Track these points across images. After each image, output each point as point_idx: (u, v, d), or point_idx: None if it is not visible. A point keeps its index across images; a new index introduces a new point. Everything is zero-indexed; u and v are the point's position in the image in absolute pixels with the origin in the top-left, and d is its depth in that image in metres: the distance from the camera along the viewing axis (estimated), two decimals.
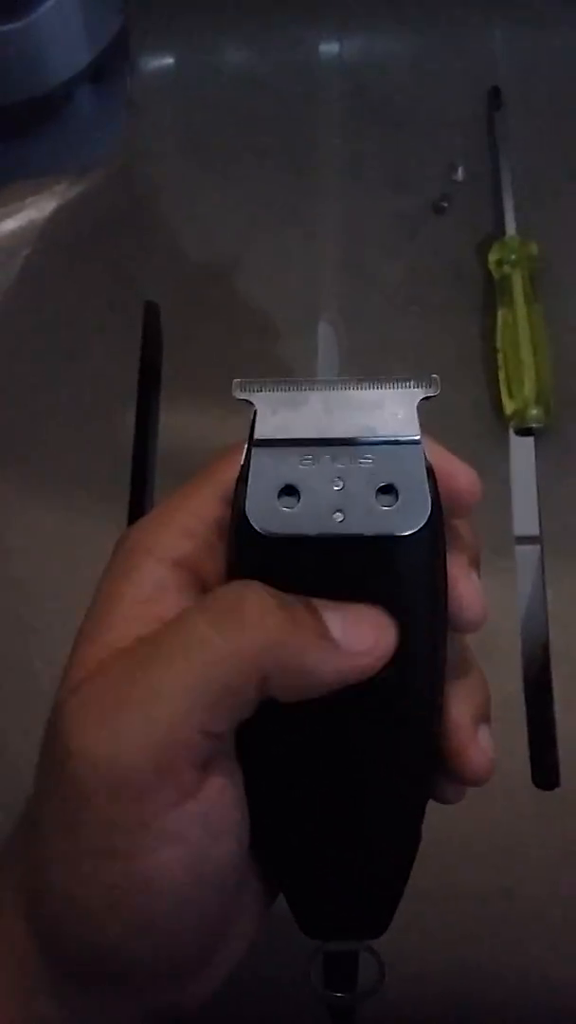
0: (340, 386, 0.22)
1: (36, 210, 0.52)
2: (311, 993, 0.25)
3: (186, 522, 0.23)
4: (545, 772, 0.40)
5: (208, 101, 0.55)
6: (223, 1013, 0.23)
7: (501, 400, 0.46)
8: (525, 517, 0.45)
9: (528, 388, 0.45)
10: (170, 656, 0.20)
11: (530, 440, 0.46)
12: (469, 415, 0.47)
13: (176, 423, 0.47)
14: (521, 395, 0.45)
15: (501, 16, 0.55)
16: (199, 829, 0.20)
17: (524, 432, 0.46)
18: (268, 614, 0.20)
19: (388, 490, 0.21)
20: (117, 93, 0.55)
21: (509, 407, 0.46)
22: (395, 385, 0.22)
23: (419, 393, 0.22)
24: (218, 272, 0.51)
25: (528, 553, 0.45)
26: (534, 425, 0.46)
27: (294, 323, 0.49)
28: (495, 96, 0.53)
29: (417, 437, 0.21)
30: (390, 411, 0.22)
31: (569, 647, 0.42)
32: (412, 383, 0.22)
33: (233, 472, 0.22)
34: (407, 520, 0.21)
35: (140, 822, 0.19)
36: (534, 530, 0.45)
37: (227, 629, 0.20)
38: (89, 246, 0.52)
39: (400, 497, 0.21)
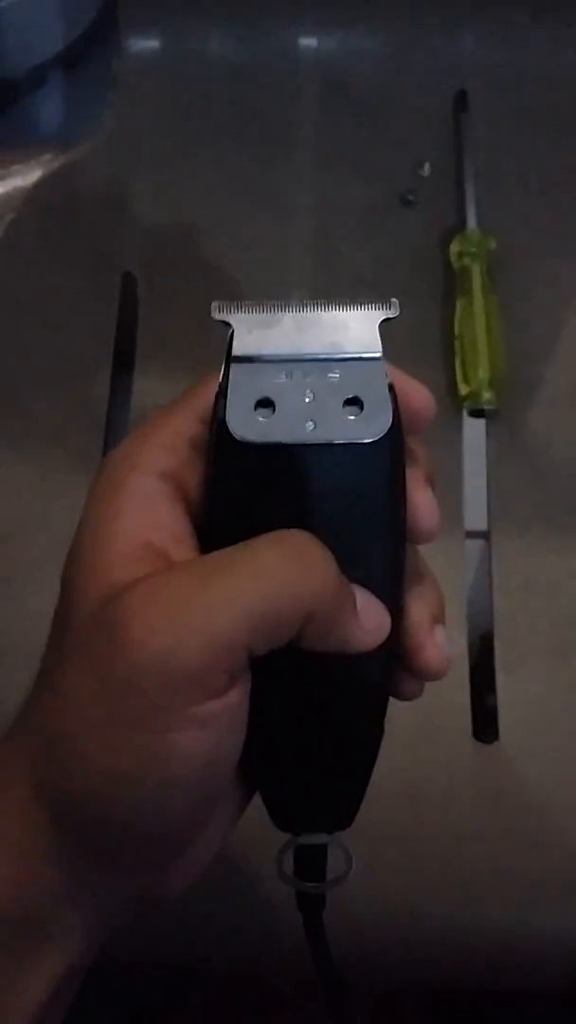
0: (310, 308, 0.24)
1: (21, 177, 0.53)
2: (283, 883, 0.27)
3: (167, 439, 0.25)
4: (485, 727, 0.43)
5: (190, 85, 0.57)
6: (202, 899, 0.25)
7: (456, 383, 0.49)
8: (475, 502, 0.48)
9: (482, 373, 0.48)
10: (237, 576, 0.22)
11: (482, 422, 0.49)
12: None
13: (149, 388, 0.49)
14: (475, 379, 0.48)
15: (472, 23, 0.57)
16: (220, 722, 0.22)
17: (477, 413, 0.49)
18: (331, 568, 0.23)
19: (354, 401, 0.23)
20: (96, 78, 0.57)
21: (464, 389, 0.49)
22: (360, 307, 0.24)
23: (380, 315, 0.24)
24: (193, 248, 0.53)
25: (476, 544, 0.47)
26: (486, 407, 0.48)
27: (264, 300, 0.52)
28: (462, 99, 0.56)
29: (379, 354, 0.24)
30: (355, 331, 0.24)
31: (511, 618, 0.45)
32: (374, 305, 0.24)
33: (208, 395, 0.24)
34: (371, 428, 0.23)
35: (177, 707, 0.21)
36: (483, 513, 0.47)
37: (295, 566, 0.22)
38: (71, 215, 0.53)
39: (364, 408, 0.23)
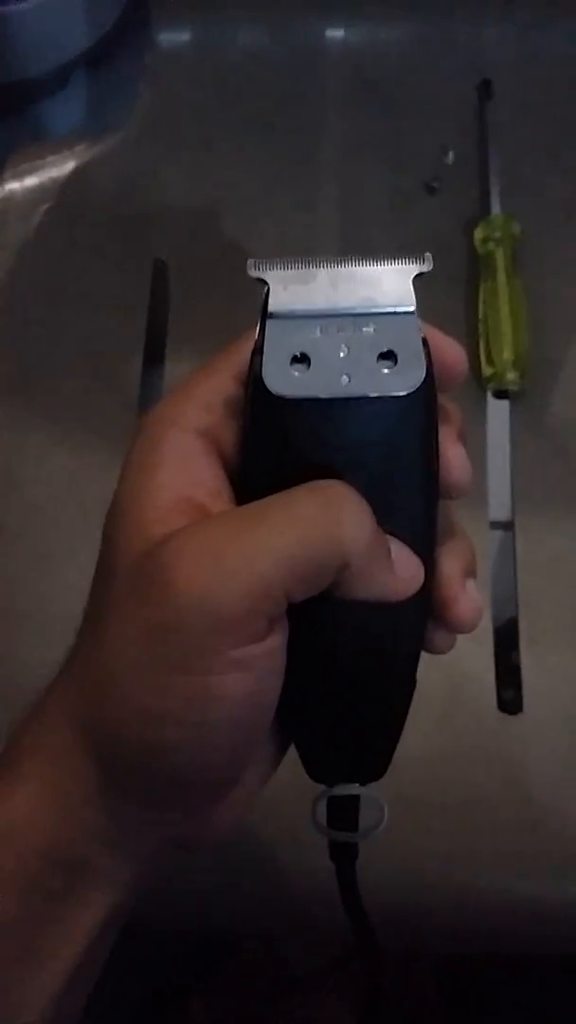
0: (344, 263, 0.24)
1: (56, 169, 0.55)
2: (317, 832, 0.28)
3: (205, 397, 0.25)
4: (509, 699, 0.44)
5: (220, 76, 0.58)
6: (238, 852, 0.25)
7: (481, 366, 0.50)
8: (499, 480, 0.48)
9: (506, 353, 0.49)
10: (275, 523, 0.22)
11: (505, 403, 0.50)
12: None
13: (180, 372, 0.51)
14: (500, 360, 0.49)
15: (495, 14, 0.58)
16: (259, 665, 0.23)
17: (501, 395, 0.50)
18: (367, 516, 0.23)
19: (388, 355, 0.23)
20: (122, 76, 0.58)
21: (488, 371, 0.50)
22: (393, 262, 0.24)
23: (414, 269, 0.24)
24: (223, 235, 0.54)
25: (502, 508, 0.48)
26: (510, 388, 0.49)
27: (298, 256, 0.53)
28: (486, 87, 0.57)
29: (412, 308, 0.24)
30: (389, 285, 0.24)
31: (535, 599, 0.45)
32: (408, 260, 0.24)
33: (245, 355, 0.24)
34: (405, 381, 0.23)
35: (218, 649, 0.22)
36: (507, 489, 0.48)
37: (331, 514, 0.23)
38: (104, 205, 0.55)
39: (399, 361, 0.23)
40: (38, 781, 0.24)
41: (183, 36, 0.59)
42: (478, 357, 0.50)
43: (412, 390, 0.23)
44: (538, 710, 0.43)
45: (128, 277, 0.53)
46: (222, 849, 0.26)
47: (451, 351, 0.25)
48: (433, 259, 0.55)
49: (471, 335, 0.51)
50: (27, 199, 0.55)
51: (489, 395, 0.50)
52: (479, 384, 0.50)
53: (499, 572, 0.47)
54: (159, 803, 0.25)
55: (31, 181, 0.55)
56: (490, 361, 0.50)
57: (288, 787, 0.27)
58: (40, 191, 0.55)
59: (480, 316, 0.51)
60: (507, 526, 0.48)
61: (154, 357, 0.51)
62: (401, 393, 0.23)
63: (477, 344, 0.51)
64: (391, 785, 0.28)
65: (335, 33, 0.58)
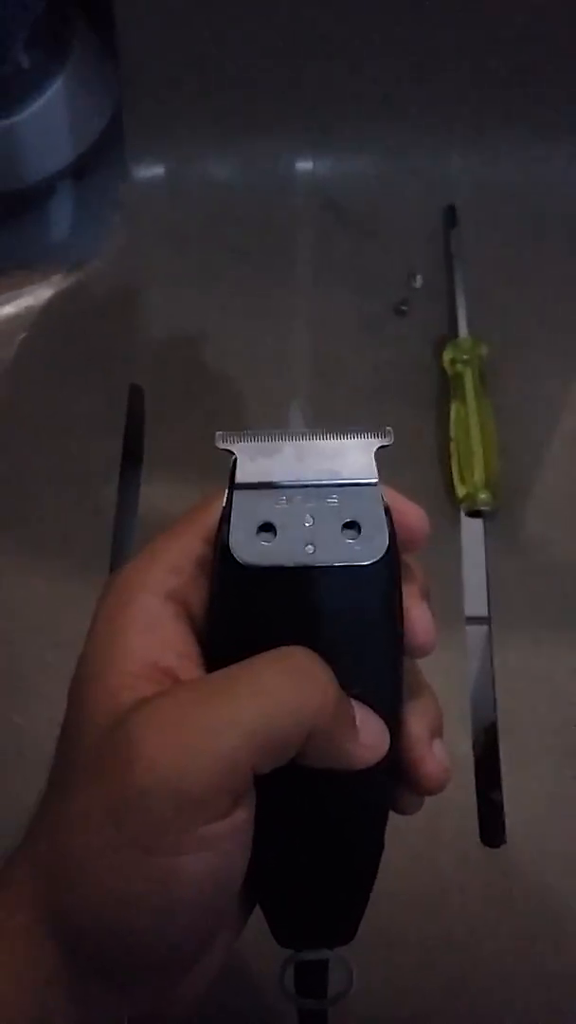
0: (309, 436, 0.25)
1: (33, 297, 0.56)
2: (284, 1000, 0.27)
3: (173, 560, 0.25)
4: (492, 831, 0.43)
5: (194, 206, 0.60)
6: (205, 1020, 0.25)
7: (454, 485, 0.51)
8: (475, 598, 0.48)
9: (478, 474, 0.50)
10: (239, 696, 0.22)
11: (479, 522, 0.50)
12: (424, 498, 0.49)
13: (155, 497, 0.51)
14: (471, 481, 0.50)
15: (459, 144, 0.61)
16: (226, 843, 0.22)
17: (474, 514, 0.50)
18: (331, 684, 0.23)
19: (352, 525, 0.24)
20: (104, 191, 0.60)
21: (461, 491, 0.50)
22: (356, 436, 0.25)
23: (376, 442, 0.25)
24: (198, 360, 0.55)
25: (477, 632, 0.48)
26: (483, 508, 0.50)
27: (267, 409, 0.53)
28: (451, 214, 0.59)
29: (375, 480, 0.25)
30: (352, 458, 0.25)
31: (515, 718, 0.45)
32: (370, 434, 0.25)
33: (212, 517, 0.25)
34: (369, 550, 0.24)
35: (184, 828, 0.22)
36: (483, 611, 0.48)
37: (295, 683, 0.23)
38: (81, 331, 0.56)
39: (362, 531, 0.24)
40: None
41: (157, 170, 0.61)
42: (450, 476, 0.51)
43: (375, 559, 0.24)
44: (522, 840, 0.42)
45: (104, 402, 0.54)
46: (186, 1019, 0.25)
47: (413, 514, 0.26)
48: (404, 379, 0.56)
49: (443, 454, 0.52)
50: (4, 328, 0.56)
51: (463, 514, 0.51)
52: (452, 503, 0.51)
53: (477, 678, 0.46)
54: (123, 984, 0.24)
55: (8, 310, 0.56)
56: (462, 480, 0.50)
57: (254, 948, 0.27)
58: (17, 320, 0.56)
59: (452, 435, 0.52)
60: (486, 621, 0.48)
61: (130, 481, 0.52)
62: (365, 563, 0.24)
63: (449, 463, 0.51)
64: (371, 926, 0.27)
65: (304, 164, 0.61)
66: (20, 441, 0.53)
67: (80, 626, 0.26)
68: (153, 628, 0.25)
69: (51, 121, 0.56)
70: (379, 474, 0.25)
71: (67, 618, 0.46)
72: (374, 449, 0.25)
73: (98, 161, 0.59)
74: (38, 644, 0.47)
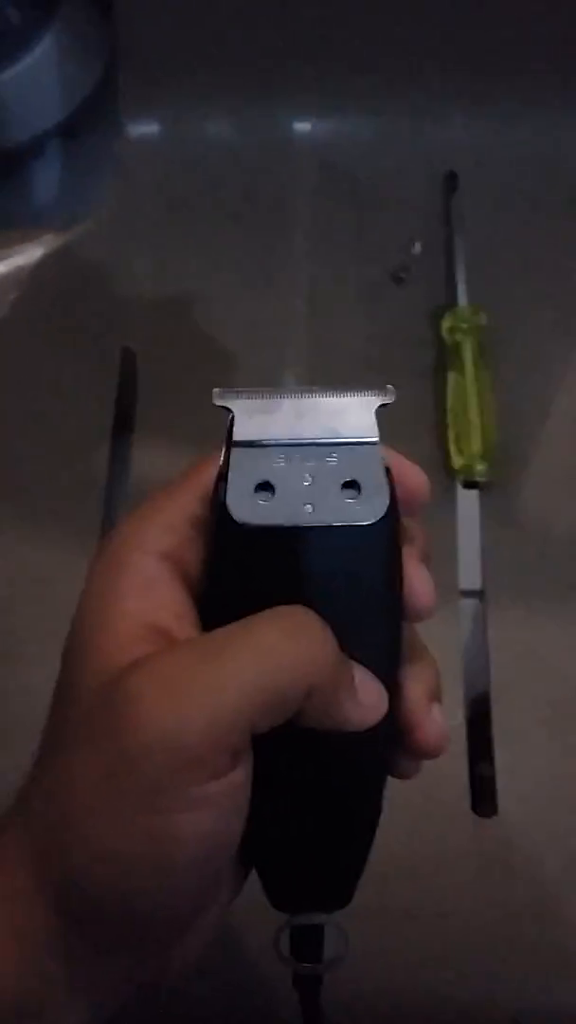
0: (308, 394, 0.25)
1: (24, 257, 0.55)
2: (280, 963, 0.27)
3: (169, 518, 0.25)
4: (484, 801, 0.43)
5: (190, 167, 0.59)
6: (200, 983, 0.25)
7: (450, 456, 0.50)
8: (470, 570, 0.48)
9: (475, 445, 0.49)
10: (238, 654, 0.22)
11: (475, 493, 0.50)
12: (420, 468, 0.51)
13: (147, 462, 0.50)
14: (469, 451, 0.49)
15: (461, 107, 0.60)
16: (223, 803, 0.22)
17: (470, 485, 0.50)
18: (330, 643, 0.23)
19: (351, 485, 0.24)
20: (96, 151, 0.59)
21: (457, 462, 0.50)
22: (356, 394, 0.25)
23: (377, 400, 0.24)
24: (191, 324, 0.54)
25: (471, 605, 0.48)
26: (479, 479, 0.49)
27: (261, 376, 0.53)
28: (452, 180, 0.58)
29: (375, 439, 0.24)
30: (352, 416, 0.24)
31: (509, 690, 0.45)
32: (371, 392, 0.25)
33: (209, 475, 0.24)
34: (368, 511, 0.24)
35: (181, 787, 0.21)
36: (477, 584, 0.48)
37: (294, 642, 0.22)
38: (73, 293, 0.55)
39: (362, 491, 0.24)
40: None
41: (152, 127, 0.59)
42: (447, 446, 0.50)
43: (375, 519, 0.24)
44: (514, 810, 0.42)
45: (95, 365, 0.53)
46: (182, 982, 0.25)
47: (414, 477, 0.25)
48: (401, 348, 0.56)
49: (440, 424, 0.51)
50: None
51: (459, 485, 0.50)
52: (448, 473, 0.50)
53: (470, 650, 0.46)
54: (120, 945, 0.24)
55: (0, 269, 0.55)
56: (459, 451, 0.50)
57: (249, 912, 0.26)
58: (7, 281, 0.55)
59: (448, 406, 0.51)
60: (479, 595, 0.47)
61: (122, 446, 0.51)
62: (365, 523, 0.24)
63: (446, 433, 0.51)
64: (363, 894, 0.27)
65: (303, 126, 0.60)
66: (9, 404, 0.52)
67: (72, 594, 0.25)
68: (148, 588, 0.24)
69: (40, 77, 0.54)
70: (380, 432, 0.24)
71: (59, 585, 0.46)
72: (375, 407, 0.24)
73: (91, 119, 0.58)
74: (31, 611, 0.46)
